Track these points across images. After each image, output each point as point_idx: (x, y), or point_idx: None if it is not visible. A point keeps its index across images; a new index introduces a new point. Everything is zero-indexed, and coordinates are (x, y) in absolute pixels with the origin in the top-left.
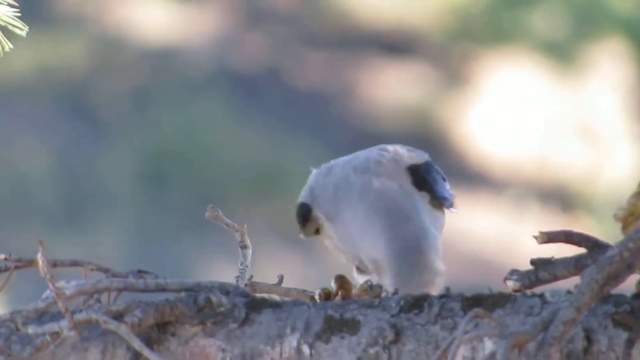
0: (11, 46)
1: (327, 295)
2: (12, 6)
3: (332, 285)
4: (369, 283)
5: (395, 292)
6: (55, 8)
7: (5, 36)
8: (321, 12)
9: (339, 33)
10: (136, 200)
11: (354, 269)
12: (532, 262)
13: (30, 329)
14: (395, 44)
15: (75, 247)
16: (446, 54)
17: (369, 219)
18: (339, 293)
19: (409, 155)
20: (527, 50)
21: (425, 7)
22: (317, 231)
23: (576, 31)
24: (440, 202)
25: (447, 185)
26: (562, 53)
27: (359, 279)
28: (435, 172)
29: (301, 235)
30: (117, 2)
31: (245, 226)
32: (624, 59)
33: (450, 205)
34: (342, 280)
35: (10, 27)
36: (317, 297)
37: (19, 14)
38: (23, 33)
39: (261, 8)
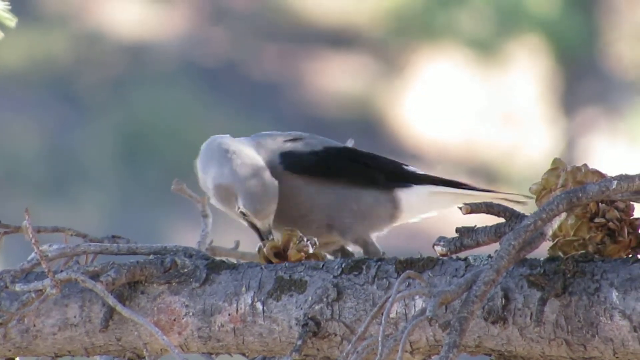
0: (2, 34)
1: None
2: (2, 0)
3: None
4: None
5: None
6: (41, 5)
7: None
8: (275, 10)
9: (290, 29)
10: (113, 175)
11: None
12: (458, 230)
13: (18, 287)
14: (340, 39)
15: (59, 216)
16: (385, 47)
17: None
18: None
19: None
20: (456, 45)
21: (367, 6)
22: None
23: (499, 29)
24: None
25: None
26: (486, 48)
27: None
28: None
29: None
30: (96, 0)
31: (206, 198)
32: (540, 53)
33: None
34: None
35: (1, 19)
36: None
37: (9, 7)
38: (12, 24)
39: (222, 7)
